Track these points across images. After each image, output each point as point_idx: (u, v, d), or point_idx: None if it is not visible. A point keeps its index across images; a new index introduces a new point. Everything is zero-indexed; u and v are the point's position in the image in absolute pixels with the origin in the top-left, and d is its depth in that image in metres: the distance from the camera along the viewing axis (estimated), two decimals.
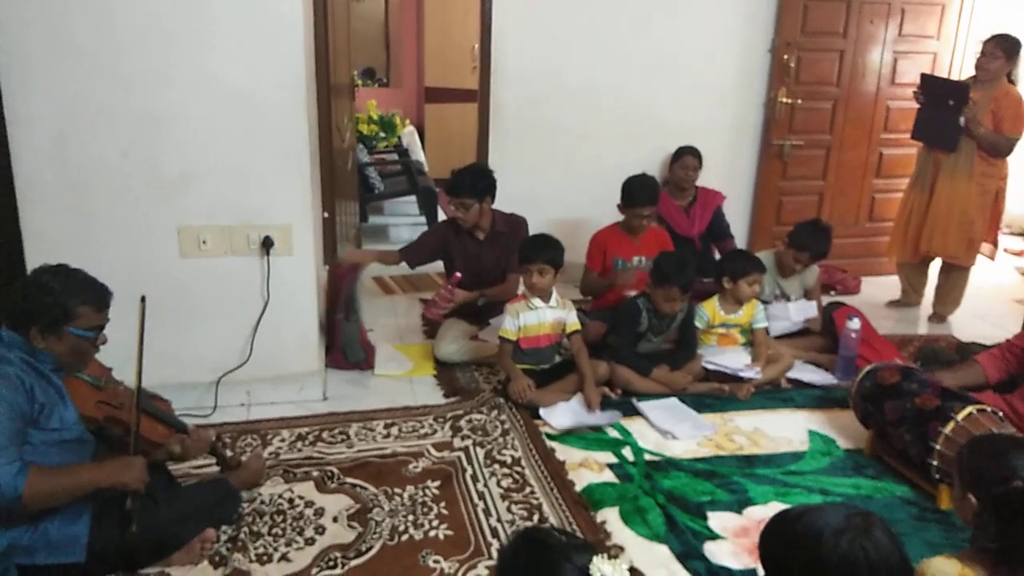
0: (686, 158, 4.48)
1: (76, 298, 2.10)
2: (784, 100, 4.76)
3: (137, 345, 2.22)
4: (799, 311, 3.94)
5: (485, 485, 2.75)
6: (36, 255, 2.90)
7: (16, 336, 2.07)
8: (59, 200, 2.92)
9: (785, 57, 4.69)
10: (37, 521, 2.06)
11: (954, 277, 4.49)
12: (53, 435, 2.07)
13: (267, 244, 3.11)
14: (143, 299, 2.23)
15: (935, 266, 4.62)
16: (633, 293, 3.66)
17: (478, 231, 3.79)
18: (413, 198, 6.40)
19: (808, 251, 3.85)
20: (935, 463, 2.64)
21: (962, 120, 4.11)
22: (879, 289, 4.94)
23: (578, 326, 3.41)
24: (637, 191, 3.86)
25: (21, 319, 2.06)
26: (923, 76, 4.41)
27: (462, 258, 3.83)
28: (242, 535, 2.42)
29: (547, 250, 3.30)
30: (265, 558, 2.34)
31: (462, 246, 3.83)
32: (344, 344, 3.56)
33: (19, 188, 2.89)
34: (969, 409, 2.63)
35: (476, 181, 3.72)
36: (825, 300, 4.16)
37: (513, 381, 3.28)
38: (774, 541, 1.46)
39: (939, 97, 4.22)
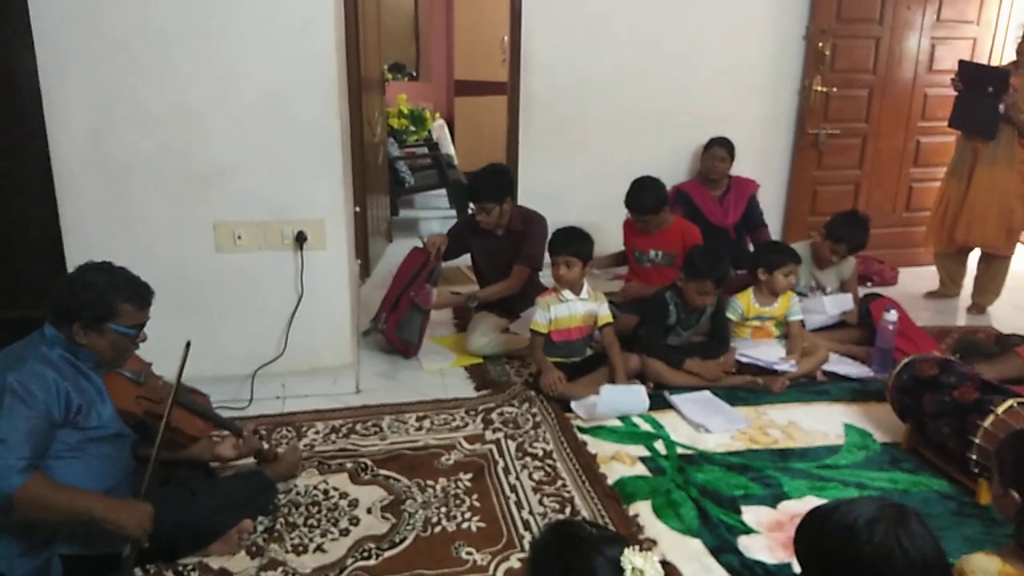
0: (715, 149, 4.44)
1: (119, 295, 2.12)
2: (819, 88, 4.68)
3: (176, 378, 2.23)
4: (835, 304, 3.88)
5: (517, 478, 2.75)
6: (75, 250, 2.96)
7: (58, 334, 2.11)
8: (97, 195, 2.98)
9: (820, 44, 4.62)
10: None
11: (994, 267, 4.40)
12: (91, 432, 2.12)
13: (300, 239, 3.14)
14: (187, 344, 2.24)
15: (974, 256, 4.53)
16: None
17: (497, 228, 3.80)
18: (443, 191, 6.41)
19: (845, 243, 3.79)
20: (974, 457, 2.59)
21: (1002, 107, 4.02)
22: (917, 280, 4.86)
23: (610, 319, 3.40)
24: (628, 198, 3.87)
25: (64, 315, 2.10)
26: (961, 63, 4.31)
27: (481, 254, 3.85)
28: (278, 526, 2.46)
29: (573, 242, 3.29)
30: (301, 549, 2.37)
31: (481, 243, 3.85)
32: (403, 323, 3.60)
33: (58, 184, 2.95)
34: (1010, 402, 2.58)
35: (495, 183, 3.71)
36: (862, 291, 4.10)
37: (544, 374, 3.28)
38: (809, 536, 1.44)
39: (978, 84, 4.13)
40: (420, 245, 3.83)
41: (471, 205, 3.79)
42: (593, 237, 3.38)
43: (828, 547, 1.38)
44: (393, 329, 3.63)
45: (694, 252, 3.44)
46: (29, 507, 1.96)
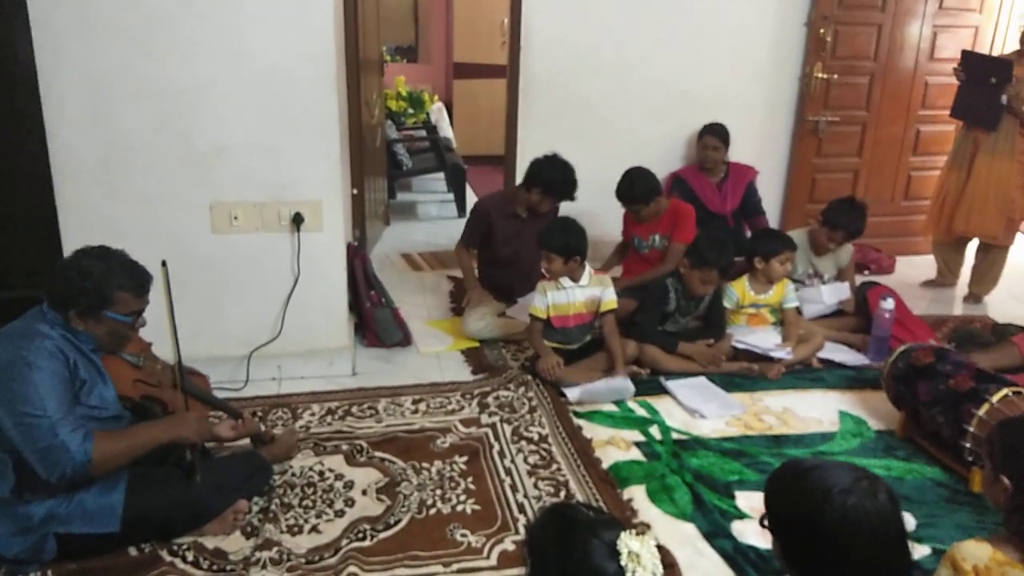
0: (706, 138, 4.40)
1: (115, 283, 2.09)
2: (819, 75, 4.66)
3: (168, 317, 2.23)
4: (832, 294, 3.88)
5: (512, 461, 2.76)
6: (71, 230, 2.95)
7: (57, 315, 2.10)
8: (93, 175, 2.96)
9: (821, 31, 4.59)
10: (74, 491, 2.11)
11: (992, 257, 4.40)
12: (92, 411, 2.12)
13: (297, 220, 3.13)
14: (163, 264, 2.23)
15: (972, 246, 4.53)
16: None
17: (521, 210, 3.79)
18: (441, 175, 6.39)
19: (842, 229, 3.78)
20: (968, 445, 2.60)
21: (1004, 98, 4.01)
22: (914, 269, 4.86)
23: (614, 305, 3.36)
24: (619, 190, 3.86)
25: (60, 302, 2.08)
26: (964, 53, 4.29)
27: (503, 234, 3.84)
28: (273, 506, 2.46)
29: (555, 238, 3.26)
30: (296, 529, 2.38)
31: (504, 223, 3.84)
32: (379, 331, 3.59)
33: (54, 164, 2.93)
34: (1005, 391, 2.59)
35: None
36: (859, 279, 4.10)
37: (542, 359, 3.28)
38: (781, 489, 1.48)
39: (981, 74, 4.11)
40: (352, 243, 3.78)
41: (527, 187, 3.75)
42: (591, 224, 3.36)
43: (798, 506, 1.42)
44: (376, 341, 3.61)
45: (701, 240, 3.42)
46: (106, 464, 2.04)
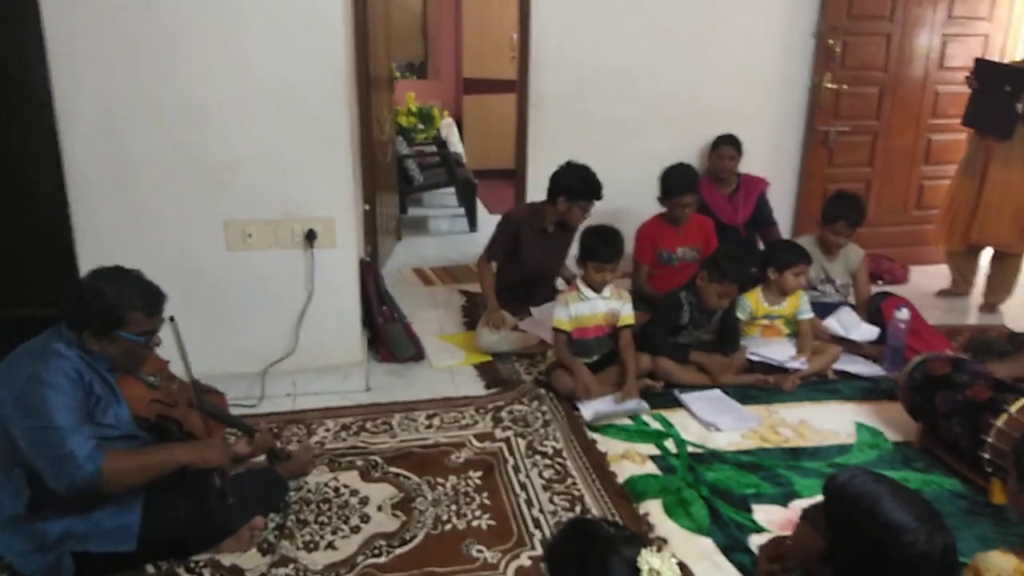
0: (723, 148, 4.41)
1: (128, 304, 2.10)
2: (829, 85, 4.66)
3: (182, 360, 2.25)
4: (860, 334, 3.73)
5: (527, 476, 2.75)
6: (86, 248, 2.98)
7: (73, 335, 2.12)
8: (107, 194, 2.99)
9: (830, 41, 4.59)
10: (91, 510, 2.11)
11: (1006, 265, 4.37)
12: (107, 431, 2.12)
13: (310, 237, 3.15)
14: (171, 319, 2.25)
15: (986, 254, 4.50)
16: None
17: (550, 224, 3.79)
18: (452, 189, 6.41)
19: (842, 219, 3.73)
20: (987, 456, 2.58)
21: (1020, 107, 3.99)
22: (928, 278, 4.83)
23: (631, 320, 3.35)
24: (674, 181, 3.85)
25: (75, 322, 2.10)
26: (977, 61, 4.28)
27: (529, 247, 3.83)
28: (289, 523, 2.46)
29: (611, 247, 3.25)
30: (312, 546, 2.37)
31: (532, 236, 3.83)
32: (392, 346, 3.60)
33: (69, 182, 2.97)
34: (1023, 401, 2.57)
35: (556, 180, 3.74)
36: (873, 290, 4.07)
37: (576, 377, 3.21)
38: (850, 514, 1.48)
39: (994, 83, 4.10)
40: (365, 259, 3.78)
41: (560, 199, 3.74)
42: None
43: (867, 534, 1.43)
44: (389, 356, 3.62)
45: (720, 254, 3.41)
46: (118, 478, 2.02)
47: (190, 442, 2.20)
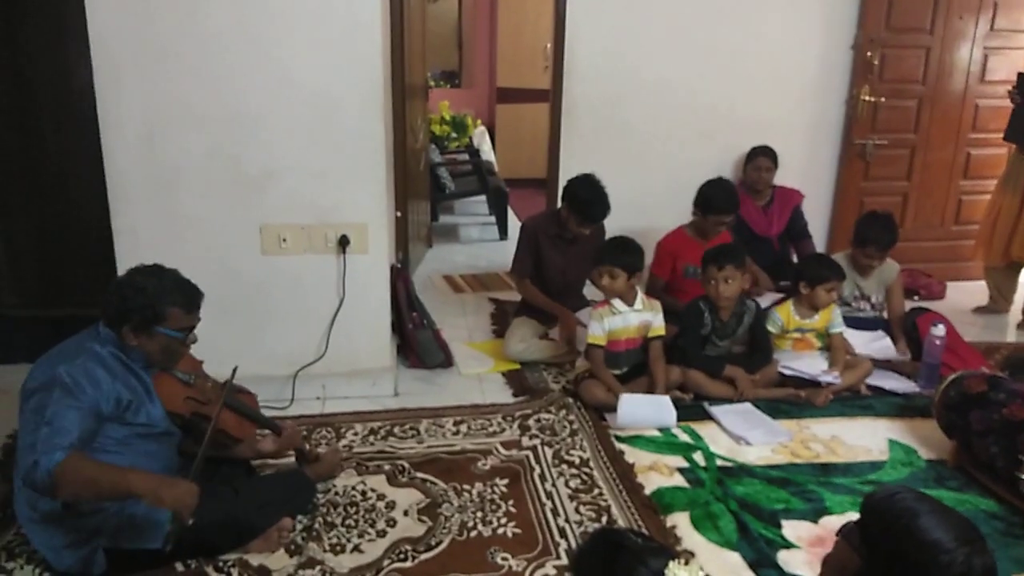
0: (759, 159, 4.38)
1: (167, 299, 2.15)
2: (867, 98, 4.61)
3: (225, 384, 2.30)
4: (879, 351, 3.70)
5: (553, 485, 2.75)
6: (125, 251, 3.04)
7: (111, 333, 2.16)
8: (148, 198, 3.05)
9: (868, 54, 4.55)
10: (124, 506, 2.14)
11: None
12: (139, 429, 2.16)
13: (343, 243, 3.18)
14: (234, 370, 2.31)
15: None
16: None
17: (568, 233, 3.79)
18: (483, 197, 6.44)
19: (873, 244, 3.68)
20: None
21: None
22: (965, 294, 4.75)
23: (662, 331, 3.35)
24: (718, 199, 3.80)
25: (115, 318, 2.14)
26: (1020, 75, 4.20)
27: (549, 257, 3.82)
28: (317, 525, 2.48)
29: (619, 253, 3.27)
30: (339, 548, 2.39)
31: (550, 244, 3.82)
32: (421, 352, 3.61)
33: (110, 186, 3.03)
34: None
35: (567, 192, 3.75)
36: (909, 305, 4.01)
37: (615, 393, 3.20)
38: (888, 528, 1.44)
39: None
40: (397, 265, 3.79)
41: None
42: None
43: (903, 552, 1.39)
44: (418, 362, 3.63)
45: (707, 250, 3.46)
46: (70, 483, 1.91)
47: (154, 475, 2.05)
